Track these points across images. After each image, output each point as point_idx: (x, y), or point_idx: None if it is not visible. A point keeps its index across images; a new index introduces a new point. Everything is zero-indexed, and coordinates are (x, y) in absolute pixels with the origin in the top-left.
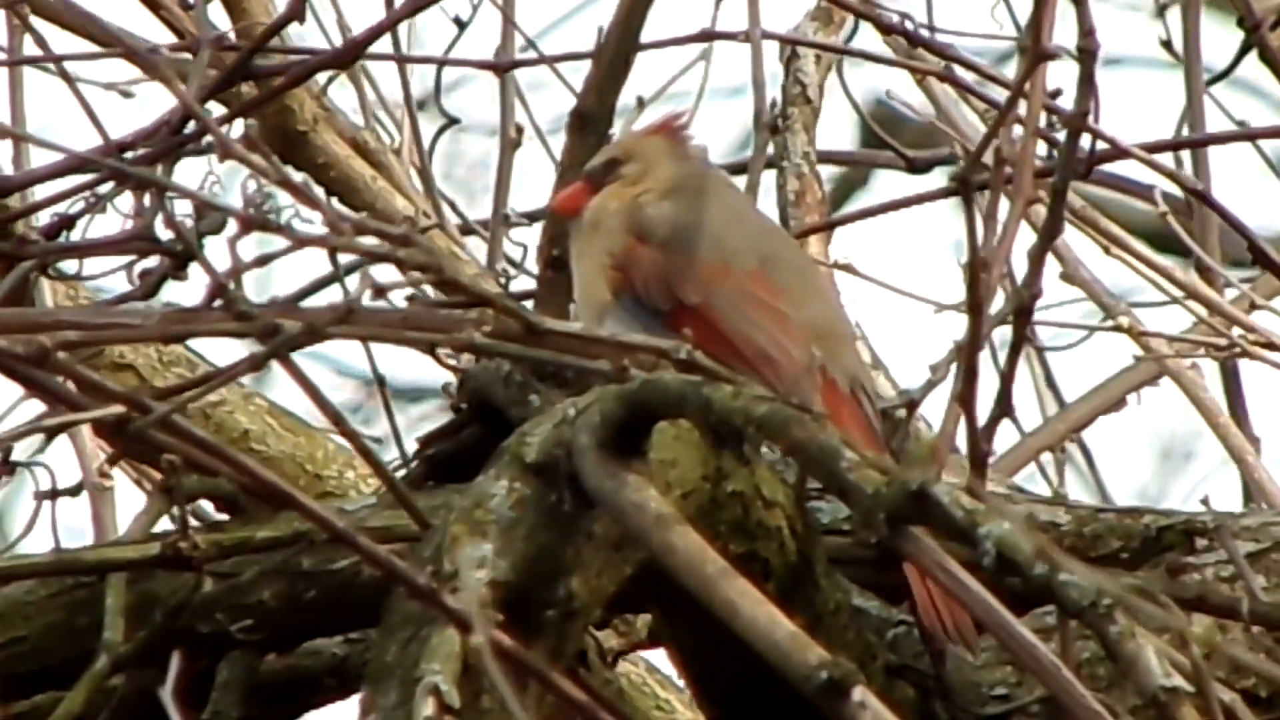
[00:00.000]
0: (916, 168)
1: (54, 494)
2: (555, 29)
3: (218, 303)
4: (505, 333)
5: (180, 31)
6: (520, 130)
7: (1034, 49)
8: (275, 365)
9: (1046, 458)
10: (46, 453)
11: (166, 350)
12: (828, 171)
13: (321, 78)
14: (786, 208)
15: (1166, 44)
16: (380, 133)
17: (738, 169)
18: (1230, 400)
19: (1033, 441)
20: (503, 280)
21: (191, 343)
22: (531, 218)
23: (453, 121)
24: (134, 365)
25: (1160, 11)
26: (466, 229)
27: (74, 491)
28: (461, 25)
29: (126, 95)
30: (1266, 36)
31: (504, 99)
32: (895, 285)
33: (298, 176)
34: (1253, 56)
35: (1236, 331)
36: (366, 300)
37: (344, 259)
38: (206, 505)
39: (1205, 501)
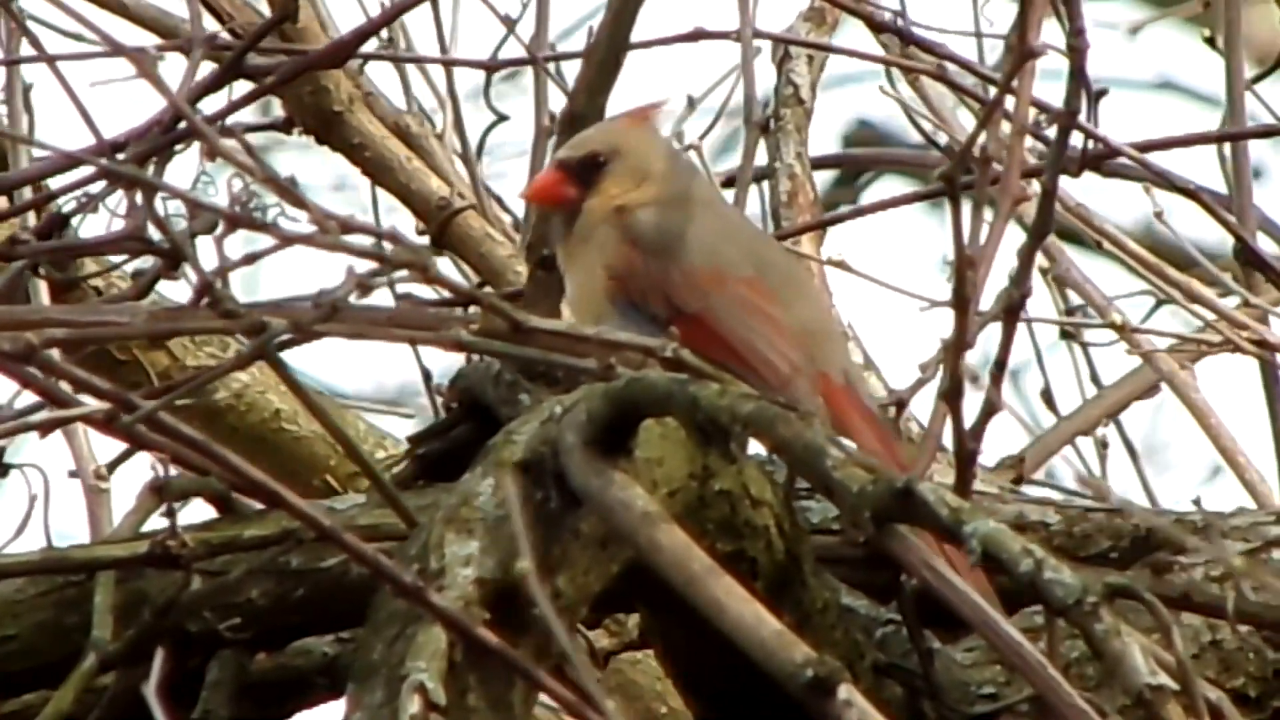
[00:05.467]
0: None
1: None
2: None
3: (205, 301)
4: (493, 331)
5: (221, 15)
6: (554, 118)
7: (1019, 47)
8: None
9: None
10: (43, 452)
11: None
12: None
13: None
14: (778, 209)
15: (1209, 40)
16: (423, 118)
17: (728, 181)
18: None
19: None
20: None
21: None
22: None
23: (501, 118)
24: (167, 344)
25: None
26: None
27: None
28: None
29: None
30: None
31: (538, 88)
32: (886, 281)
33: (331, 158)
34: None
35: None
36: (354, 298)
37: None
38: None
39: (1196, 501)
